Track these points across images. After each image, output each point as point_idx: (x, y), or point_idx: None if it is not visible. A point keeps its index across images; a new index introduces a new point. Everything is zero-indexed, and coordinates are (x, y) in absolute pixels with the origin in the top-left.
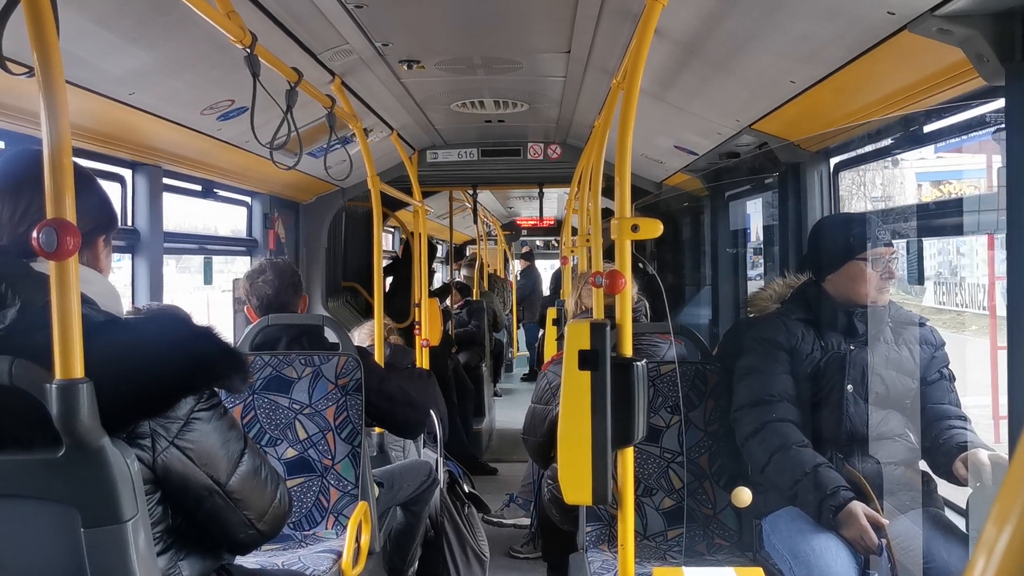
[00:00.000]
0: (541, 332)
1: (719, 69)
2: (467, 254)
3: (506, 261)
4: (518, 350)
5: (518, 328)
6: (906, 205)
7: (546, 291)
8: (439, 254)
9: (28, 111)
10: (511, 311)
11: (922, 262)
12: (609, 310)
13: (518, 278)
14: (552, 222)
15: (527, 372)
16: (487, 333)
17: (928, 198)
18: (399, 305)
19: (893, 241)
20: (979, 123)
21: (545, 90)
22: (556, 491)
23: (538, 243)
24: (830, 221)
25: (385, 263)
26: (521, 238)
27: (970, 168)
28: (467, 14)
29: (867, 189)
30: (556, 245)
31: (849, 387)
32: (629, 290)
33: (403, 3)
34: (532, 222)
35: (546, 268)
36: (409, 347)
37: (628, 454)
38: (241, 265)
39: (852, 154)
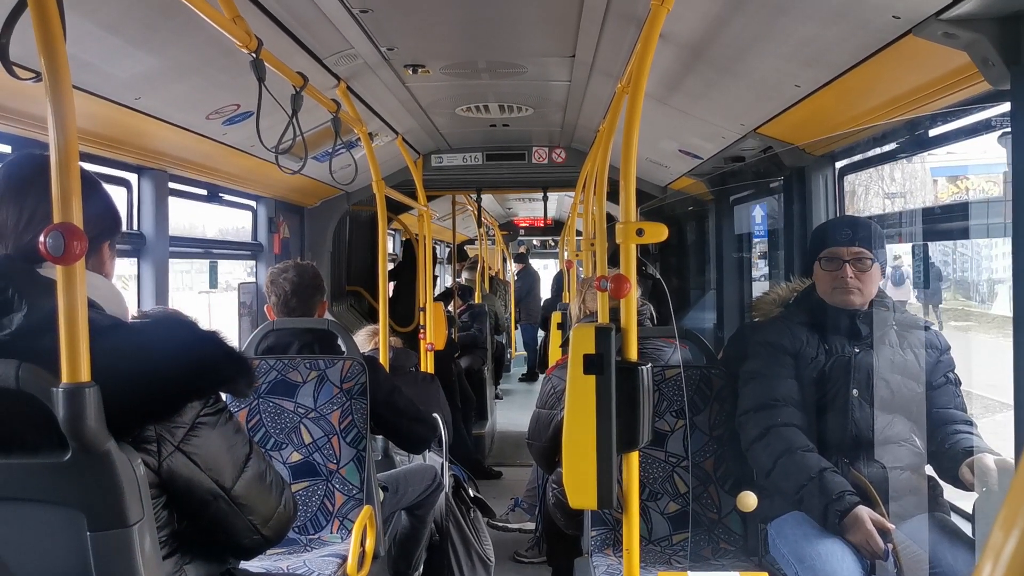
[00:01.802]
0: (542, 334)
1: (724, 73)
2: (467, 256)
3: (504, 261)
4: (515, 351)
5: (515, 329)
6: (899, 211)
7: (546, 293)
8: (437, 255)
9: (35, 115)
10: (510, 313)
11: (928, 264)
12: (614, 314)
13: (515, 279)
14: (551, 222)
15: (525, 372)
16: (489, 336)
17: (944, 195)
18: (403, 309)
19: (889, 242)
20: (985, 127)
21: (550, 94)
22: (561, 495)
23: (535, 242)
24: (818, 225)
25: (389, 267)
26: (519, 238)
27: (982, 164)
28: (472, 19)
29: (885, 184)
30: (554, 244)
31: (854, 391)
32: (634, 294)
33: (408, 8)
34: (530, 222)
35: (543, 267)
36: (411, 350)
37: (633, 458)
38: (229, 266)
39: (857, 158)
